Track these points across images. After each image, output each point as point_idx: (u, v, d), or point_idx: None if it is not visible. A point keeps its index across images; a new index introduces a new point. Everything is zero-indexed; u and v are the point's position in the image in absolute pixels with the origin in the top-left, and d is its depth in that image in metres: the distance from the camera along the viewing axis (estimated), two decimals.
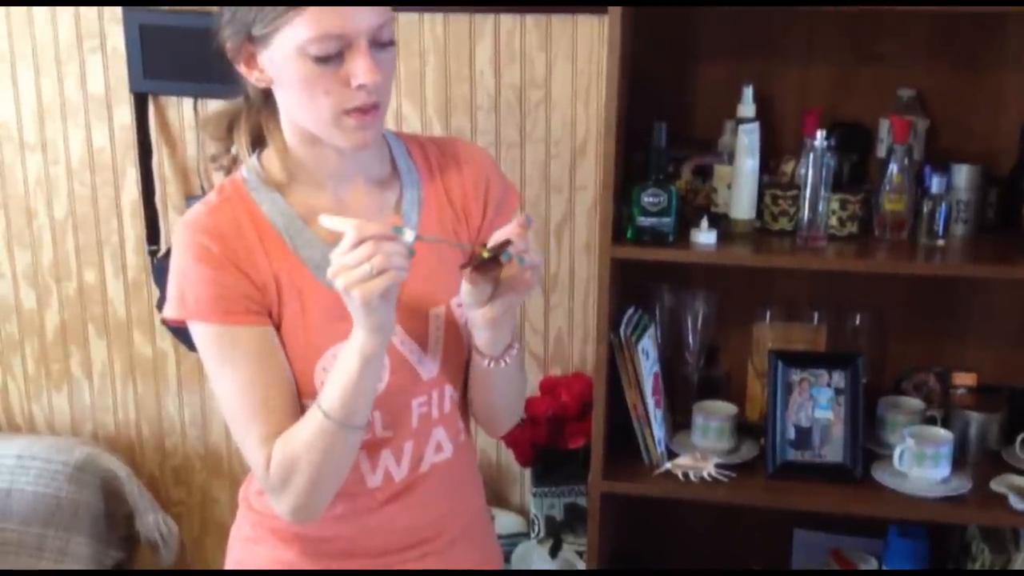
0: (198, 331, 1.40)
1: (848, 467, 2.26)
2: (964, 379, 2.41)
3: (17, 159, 2.78)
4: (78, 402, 2.95)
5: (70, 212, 2.79)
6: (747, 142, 2.21)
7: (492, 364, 1.45)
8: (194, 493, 2.97)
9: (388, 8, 1.33)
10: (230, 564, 1.62)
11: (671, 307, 2.44)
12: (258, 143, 1.46)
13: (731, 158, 2.26)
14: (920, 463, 2.19)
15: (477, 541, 1.65)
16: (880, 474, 2.25)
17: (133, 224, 2.76)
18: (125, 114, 2.68)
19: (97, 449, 2.81)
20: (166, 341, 2.83)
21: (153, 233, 2.71)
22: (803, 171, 2.20)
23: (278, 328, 1.40)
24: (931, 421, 2.31)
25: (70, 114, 2.72)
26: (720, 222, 2.24)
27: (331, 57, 1.29)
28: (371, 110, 1.33)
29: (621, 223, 2.21)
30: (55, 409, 2.96)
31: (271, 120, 1.43)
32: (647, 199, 2.16)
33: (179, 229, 1.41)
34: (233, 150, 1.47)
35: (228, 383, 1.39)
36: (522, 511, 2.73)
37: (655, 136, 2.16)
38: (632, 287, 2.38)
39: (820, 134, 2.15)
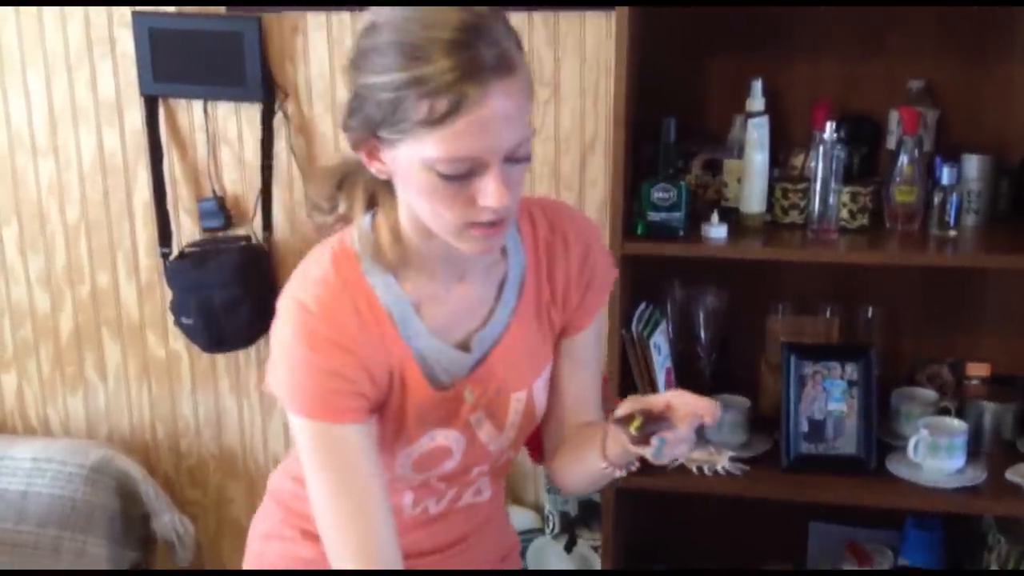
0: (300, 424, 1.34)
1: (862, 459, 2.26)
2: (978, 370, 2.41)
3: (29, 164, 2.80)
4: (93, 404, 2.96)
5: (82, 216, 2.80)
6: (757, 136, 2.21)
7: (610, 470, 1.41)
8: (209, 493, 2.98)
9: (527, 123, 1.23)
10: (249, 557, 1.62)
11: (682, 302, 2.44)
12: (371, 205, 1.37)
13: (741, 152, 2.26)
14: (935, 454, 2.19)
15: (494, 534, 1.65)
16: (895, 465, 2.24)
17: (145, 227, 2.77)
18: (136, 118, 2.69)
19: (112, 451, 2.82)
20: (179, 343, 2.84)
21: (165, 235, 2.72)
22: (813, 164, 2.20)
23: (376, 410, 1.37)
24: (945, 412, 2.31)
25: (81, 118, 2.74)
26: (730, 216, 2.24)
27: (460, 176, 1.20)
28: (497, 224, 1.25)
29: (631, 219, 2.21)
30: (70, 412, 2.98)
31: (387, 196, 1.34)
32: (657, 194, 2.17)
33: (296, 309, 1.32)
34: (341, 209, 1.37)
35: (323, 483, 1.35)
36: (537, 507, 2.73)
37: (664, 131, 2.16)
38: (643, 283, 2.38)
39: (830, 127, 2.15)
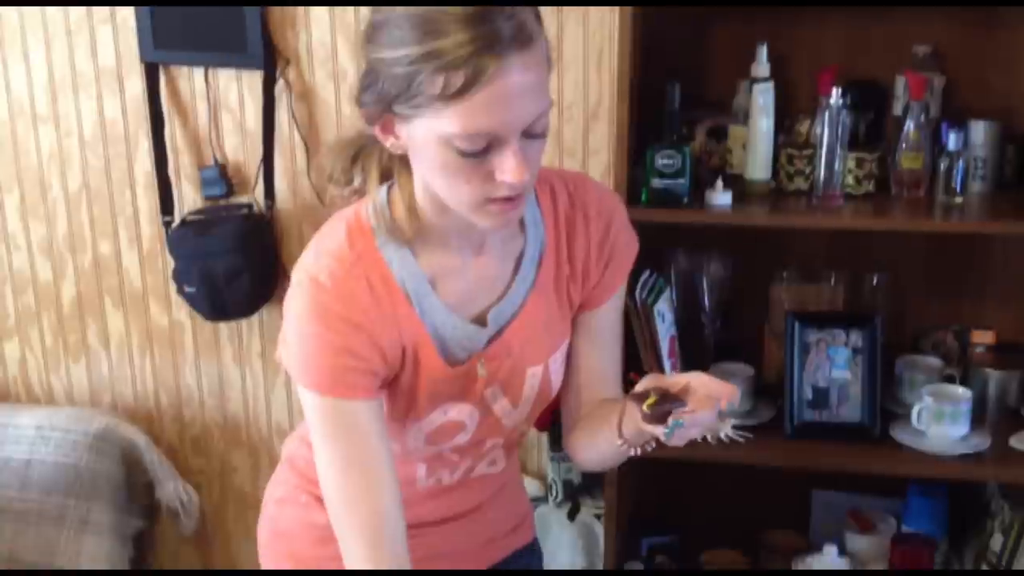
0: (310, 398, 1.34)
1: (866, 426, 2.26)
2: (982, 337, 2.40)
3: (30, 132, 2.78)
4: (96, 373, 2.96)
5: (84, 184, 2.79)
6: (761, 102, 2.20)
7: (625, 447, 1.38)
8: (213, 462, 2.99)
9: (546, 96, 1.21)
10: (264, 522, 1.64)
11: (687, 270, 2.43)
12: (386, 177, 1.36)
13: (746, 118, 2.25)
14: (939, 421, 2.18)
15: (508, 502, 1.65)
16: (898, 433, 2.24)
17: (147, 195, 2.76)
18: (136, 85, 2.68)
19: (116, 419, 2.82)
20: (182, 312, 2.83)
21: (167, 203, 2.70)
22: (819, 130, 2.19)
23: (386, 386, 1.36)
24: (949, 379, 2.30)
25: (82, 86, 2.72)
26: (735, 183, 2.23)
27: (477, 152, 1.18)
28: (515, 199, 1.23)
29: (635, 186, 2.20)
30: (73, 380, 2.98)
31: (403, 170, 1.32)
32: (661, 161, 2.15)
33: (309, 283, 1.30)
34: (356, 182, 1.36)
35: (331, 457, 1.35)
36: (540, 475, 2.73)
37: (668, 97, 2.15)
38: (647, 250, 2.33)
39: (835, 92, 2.14)
